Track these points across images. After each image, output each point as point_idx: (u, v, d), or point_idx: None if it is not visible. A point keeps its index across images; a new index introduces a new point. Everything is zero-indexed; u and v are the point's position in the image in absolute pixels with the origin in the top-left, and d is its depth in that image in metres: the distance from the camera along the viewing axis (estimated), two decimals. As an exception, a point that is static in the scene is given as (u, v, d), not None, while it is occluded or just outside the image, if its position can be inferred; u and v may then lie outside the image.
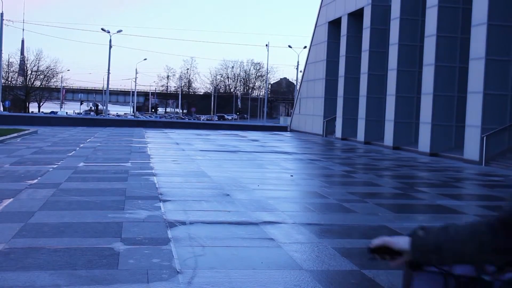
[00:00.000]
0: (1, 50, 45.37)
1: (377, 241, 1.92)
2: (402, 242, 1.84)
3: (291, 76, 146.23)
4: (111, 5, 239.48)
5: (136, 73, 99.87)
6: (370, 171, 16.44)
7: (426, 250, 1.79)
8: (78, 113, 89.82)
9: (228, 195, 10.44)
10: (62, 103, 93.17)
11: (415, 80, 25.99)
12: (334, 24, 35.80)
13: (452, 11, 23.03)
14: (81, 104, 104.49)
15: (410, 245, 1.82)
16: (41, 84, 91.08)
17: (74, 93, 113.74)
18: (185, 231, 7.27)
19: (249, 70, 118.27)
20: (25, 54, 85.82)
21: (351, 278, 5.62)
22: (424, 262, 1.86)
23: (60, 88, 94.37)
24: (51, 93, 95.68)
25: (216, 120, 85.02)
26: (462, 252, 1.74)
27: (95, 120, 45.35)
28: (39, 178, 11.93)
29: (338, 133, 33.19)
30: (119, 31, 62.30)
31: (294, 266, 5.91)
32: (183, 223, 7.77)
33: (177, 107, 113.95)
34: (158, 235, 7.02)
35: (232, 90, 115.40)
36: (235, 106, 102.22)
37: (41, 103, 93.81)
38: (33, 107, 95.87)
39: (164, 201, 9.49)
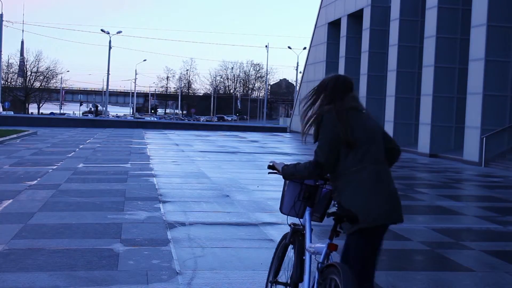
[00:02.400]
0: (1, 51, 45.40)
1: (270, 163, 4.00)
2: (280, 165, 3.88)
3: (291, 77, 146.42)
4: (110, 6, 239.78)
5: (136, 74, 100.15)
6: (370, 172, 16.40)
7: (288, 174, 3.79)
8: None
9: (227, 196, 10.44)
10: (61, 104, 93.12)
11: (415, 81, 26.01)
12: (334, 25, 35.82)
13: (451, 12, 23.04)
14: (80, 105, 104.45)
15: (281, 172, 3.83)
16: (40, 85, 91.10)
17: (73, 94, 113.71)
18: (184, 232, 7.27)
19: (249, 71, 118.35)
20: (25, 55, 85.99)
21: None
22: (289, 178, 3.87)
23: (59, 89, 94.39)
24: (50, 94, 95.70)
25: (215, 121, 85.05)
26: (302, 174, 3.69)
27: (94, 121, 45.35)
28: (38, 179, 11.93)
29: (338, 134, 33.13)
30: (118, 32, 62.37)
31: (294, 267, 5.89)
32: (183, 224, 7.77)
33: (176, 108, 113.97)
34: (157, 236, 7.02)
35: (231, 91, 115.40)
36: (235, 107, 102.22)
37: (41, 104, 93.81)
38: (32, 108, 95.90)
39: (164, 202, 9.48)
